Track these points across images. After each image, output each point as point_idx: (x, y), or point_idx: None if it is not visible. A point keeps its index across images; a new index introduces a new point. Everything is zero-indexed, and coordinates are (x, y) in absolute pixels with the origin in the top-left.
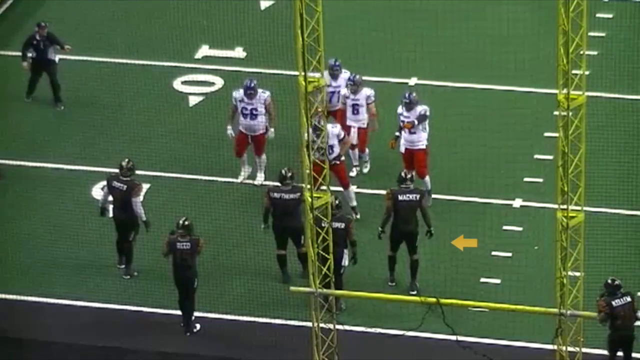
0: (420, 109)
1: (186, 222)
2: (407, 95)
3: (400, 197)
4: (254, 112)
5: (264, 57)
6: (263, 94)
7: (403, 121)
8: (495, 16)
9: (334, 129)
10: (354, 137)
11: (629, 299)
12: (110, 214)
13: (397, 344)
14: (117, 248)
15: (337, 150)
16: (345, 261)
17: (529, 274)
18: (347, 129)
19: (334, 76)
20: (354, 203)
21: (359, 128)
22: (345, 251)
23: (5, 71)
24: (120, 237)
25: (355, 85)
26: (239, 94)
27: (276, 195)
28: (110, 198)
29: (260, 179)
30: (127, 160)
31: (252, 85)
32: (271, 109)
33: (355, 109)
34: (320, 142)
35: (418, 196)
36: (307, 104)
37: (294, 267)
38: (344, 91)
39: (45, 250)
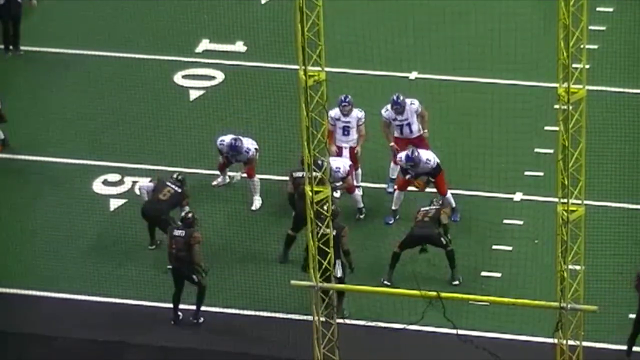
0: (428, 164)
1: (188, 215)
2: (409, 156)
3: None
4: (237, 160)
5: (264, 51)
6: (247, 153)
7: (411, 175)
8: (495, 10)
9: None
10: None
11: None
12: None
13: (397, 337)
14: (149, 230)
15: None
16: (339, 272)
17: (530, 267)
18: (338, 149)
19: (400, 112)
20: (361, 205)
21: (351, 147)
22: (338, 262)
23: (6, 66)
24: (152, 231)
25: (348, 106)
26: (223, 146)
27: (298, 174)
28: (148, 184)
29: (257, 203)
30: (177, 174)
31: (237, 144)
32: (255, 161)
33: (346, 130)
34: (321, 136)
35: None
36: (307, 98)
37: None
38: (333, 112)
39: (46, 244)
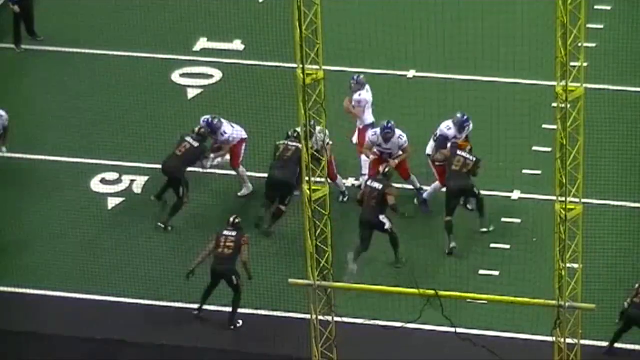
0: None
1: (237, 220)
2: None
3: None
4: (213, 138)
5: (262, 50)
6: (222, 136)
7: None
8: (493, 8)
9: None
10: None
11: None
12: None
13: (395, 336)
14: (159, 197)
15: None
16: (387, 224)
17: (528, 266)
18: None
19: (388, 139)
20: (343, 188)
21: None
22: (382, 217)
23: (4, 64)
24: (165, 188)
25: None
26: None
27: (281, 142)
28: None
29: (244, 190)
30: (199, 127)
31: (213, 122)
32: (229, 144)
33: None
34: (318, 133)
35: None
36: (305, 97)
37: (293, 267)
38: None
39: (44, 243)
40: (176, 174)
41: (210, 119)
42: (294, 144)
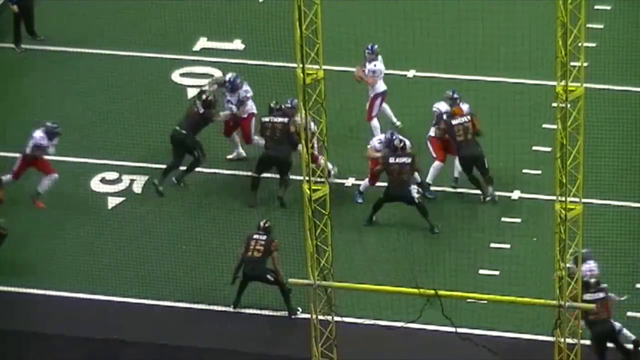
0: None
1: (267, 224)
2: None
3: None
4: (231, 95)
5: (262, 50)
6: (245, 93)
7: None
8: (493, 8)
9: None
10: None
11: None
12: None
13: (395, 336)
14: (167, 168)
15: None
16: (415, 193)
17: (528, 265)
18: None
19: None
20: (330, 166)
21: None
22: (413, 187)
23: (4, 64)
24: (176, 156)
25: (373, 54)
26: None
27: (266, 119)
28: None
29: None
30: (207, 95)
31: (236, 80)
32: (246, 103)
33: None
34: (319, 134)
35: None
36: (305, 97)
37: (291, 263)
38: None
39: (43, 242)
40: (186, 139)
41: (233, 77)
42: (280, 119)
